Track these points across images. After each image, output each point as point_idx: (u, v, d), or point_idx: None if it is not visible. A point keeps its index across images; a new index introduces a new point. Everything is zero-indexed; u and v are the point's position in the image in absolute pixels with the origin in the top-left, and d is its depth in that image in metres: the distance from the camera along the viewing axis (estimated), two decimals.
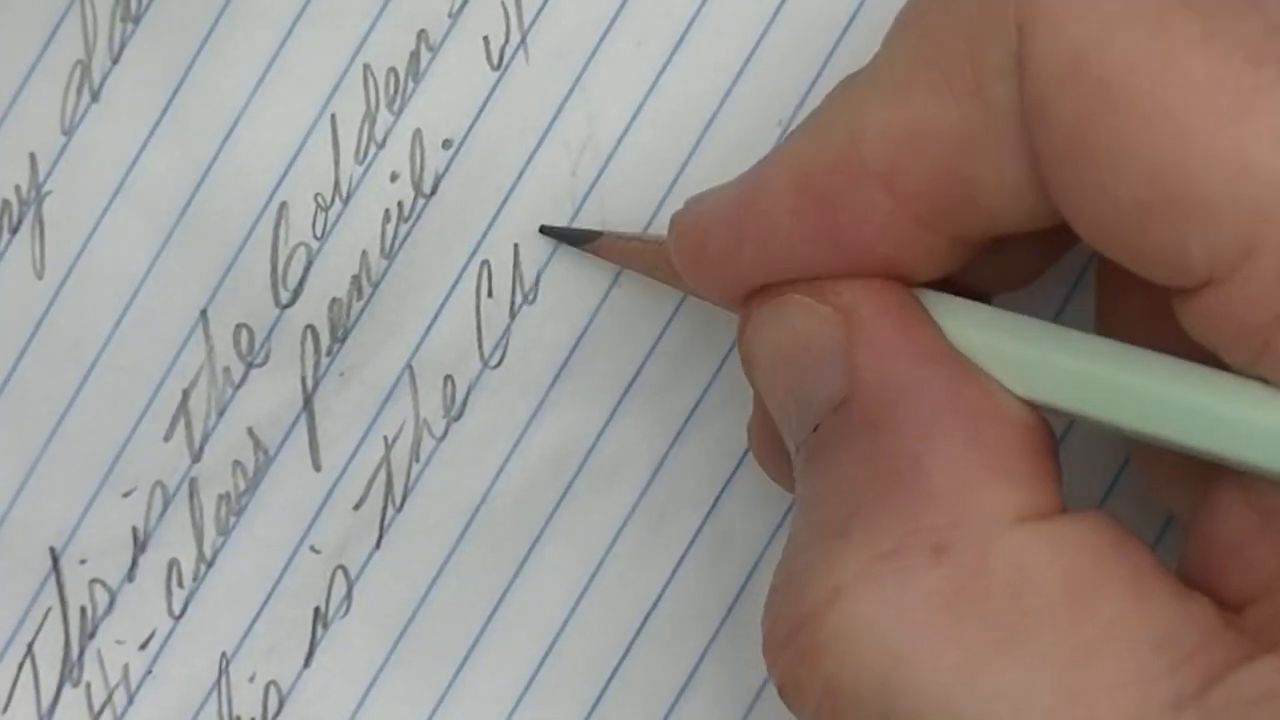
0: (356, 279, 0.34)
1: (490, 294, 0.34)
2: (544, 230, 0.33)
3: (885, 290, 0.28)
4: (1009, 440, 0.26)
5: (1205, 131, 0.24)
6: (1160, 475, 0.30)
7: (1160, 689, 0.25)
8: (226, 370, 0.34)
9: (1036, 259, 0.30)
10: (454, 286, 0.34)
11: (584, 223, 0.33)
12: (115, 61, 0.34)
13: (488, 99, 0.34)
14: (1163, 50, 0.24)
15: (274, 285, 0.34)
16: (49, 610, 0.34)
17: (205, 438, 0.34)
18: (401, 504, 0.34)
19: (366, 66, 0.33)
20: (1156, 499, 0.30)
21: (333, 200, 0.34)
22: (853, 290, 0.28)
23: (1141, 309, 0.28)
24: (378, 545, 0.34)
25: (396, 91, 0.34)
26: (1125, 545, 0.26)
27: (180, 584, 0.34)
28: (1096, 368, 0.27)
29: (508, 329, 0.34)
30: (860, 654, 0.26)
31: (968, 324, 0.28)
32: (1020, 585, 0.25)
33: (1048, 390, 0.27)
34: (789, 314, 0.28)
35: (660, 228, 0.33)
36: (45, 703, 0.34)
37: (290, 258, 0.34)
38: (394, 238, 0.34)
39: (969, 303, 0.28)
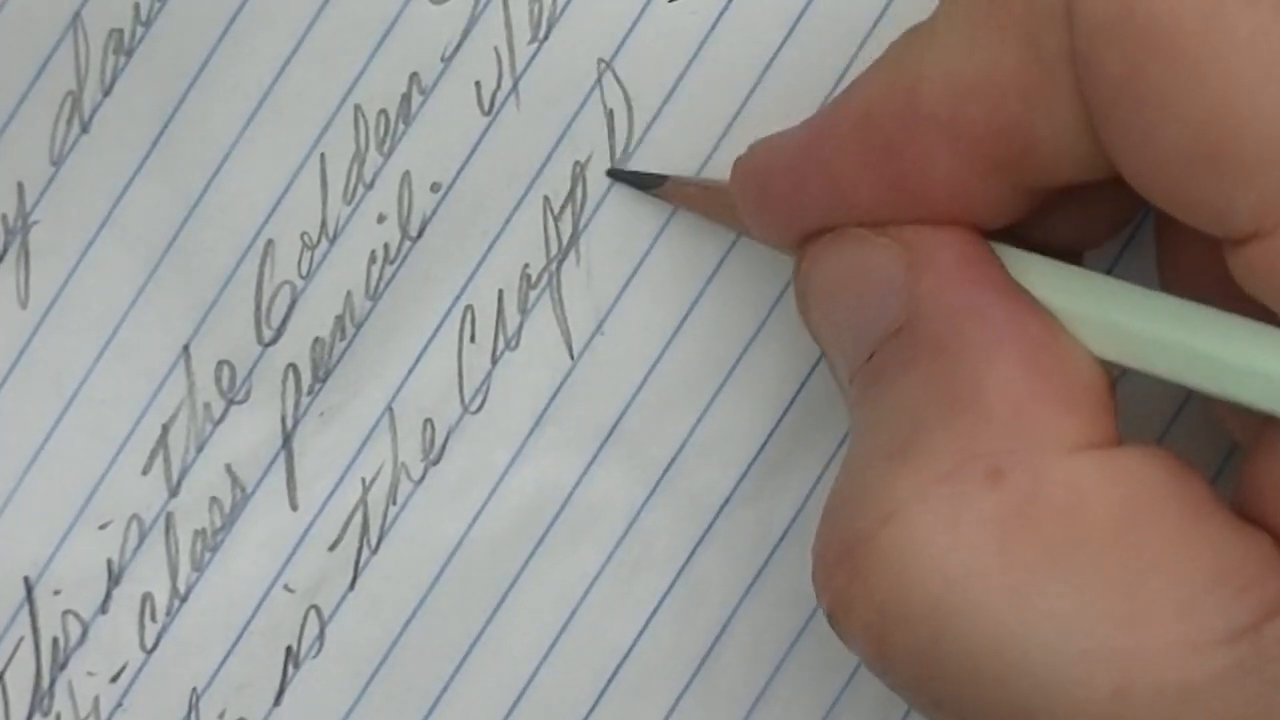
0: (340, 319, 0.34)
1: (473, 339, 0.34)
2: (611, 173, 0.33)
3: (946, 229, 0.28)
4: (1069, 372, 0.27)
5: (1251, 86, 0.24)
6: (1224, 405, 0.30)
7: (1214, 620, 0.25)
8: (207, 406, 0.34)
9: (1109, 216, 0.30)
10: (437, 330, 0.34)
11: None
12: (106, 93, 0.34)
13: (477, 144, 0.34)
14: (1210, 4, 0.25)
15: (257, 323, 0.34)
16: (21, 640, 0.34)
17: (183, 473, 0.34)
18: (377, 546, 0.34)
19: (357, 107, 0.34)
20: (1219, 427, 0.30)
21: (319, 239, 0.34)
22: (914, 229, 0.28)
23: (1201, 261, 0.28)
24: (352, 586, 0.34)
25: (387, 133, 0.34)
26: (1182, 477, 0.26)
27: (153, 618, 0.34)
28: (1158, 326, 0.27)
29: (489, 374, 0.34)
30: (913, 575, 0.26)
31: (1031, 274, 0.28)
32: (1075, 512, 0.25)
33: (1108, 346, 0.27)
34: (848, 246, 0.28)
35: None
36: None
37: (274, 296, 0.34)
38: (379, 279, 0.34)
39: (1032, 254, 0.28)
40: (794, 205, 0.29)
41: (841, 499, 0.27)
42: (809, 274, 0.29)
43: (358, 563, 0.34)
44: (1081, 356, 0.27)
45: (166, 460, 0.34)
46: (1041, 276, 0.28)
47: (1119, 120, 0.25)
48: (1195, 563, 0.25)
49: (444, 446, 0.34)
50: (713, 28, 0.33)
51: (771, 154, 0.30)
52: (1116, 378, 0.28)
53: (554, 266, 0.33)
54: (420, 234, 0.34)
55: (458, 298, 0.34)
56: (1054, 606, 0.25)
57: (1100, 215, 0.29)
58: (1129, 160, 0.26)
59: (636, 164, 0.33)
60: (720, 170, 0.32)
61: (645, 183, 0.33)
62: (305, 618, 0.34)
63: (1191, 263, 0.29)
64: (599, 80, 0.33)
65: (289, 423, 0.34)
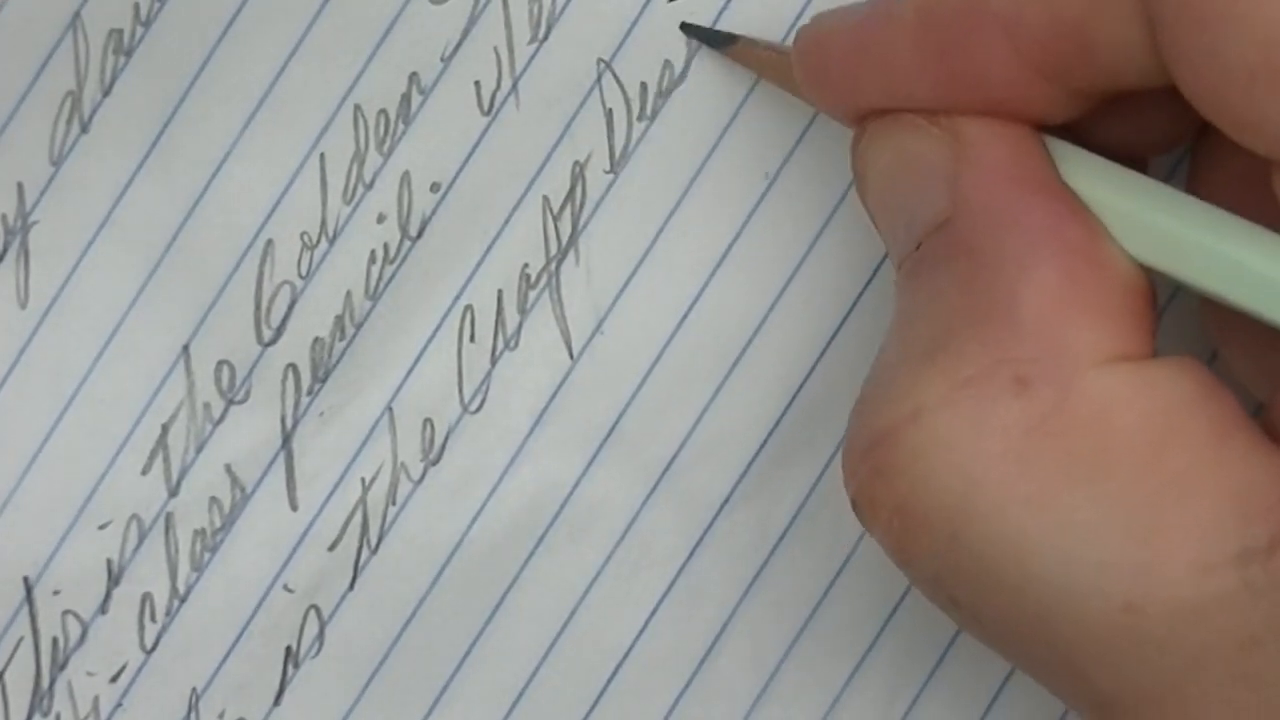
0: (340, 319, 0.34)
1: (472, 339, 0.34)
2: (684, 28, 0.33)
3: (999, 123, 0.28)
4: (1106, 280, 0.26)
5: None
6: (1246, 358, 0.30)
7: (1230, 540, 0.25)
8: (206, 406, 0.34)
9: (1167, 127, 0.29)
10: (436, 330, 0.34)
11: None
12: (106, 93, 0.34)
13: (477, 144, 0.34)
14: None
15: (257, 323, 0.34)
16: (21, 640, 0.34)
17: (183, 473, 0.34)
18: (376, 546, 0.34)
19: (357, 107, 0.34)
20: (1245, 383, 0.30)
21: (319, 239, 0.34)
22: (967, 120, 0.28)
23: (1236, 178, 0.28)
24: (351, 586, 0.34)
25: (386, 133, 0.34)
26: (1213, 393, 0.26)
27: (153, 618, 0.34)
28: (1205, 234, 0.27)
29: (489, 374, 0.34)
30: (934, 476, 0.26)
31: (1081, 172, 0.28)
32: (1099, 425, 0.26)
33: (1152, 251, 0.27)
34: (900, 133, 0.28)
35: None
36: None
37: (274, 296, 0.34)
38: (379, 279, 0.34)
39: (1084, 152, 0.28)
40: (851, 86, 0.29)
41: (872, 390, 0.27)
42: (864, 155, 0.29)
43: (357, 563, 0.34)
44: (1122, 263, 0.27)
45: (166, 460, 0.34)
46: (1090, 174, 0.28)
47: (1182, 33, 0.25)
48: (1217, 483, 0.25)
49: (444, 446, 0.34)
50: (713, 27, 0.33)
51: (832, 32, 0.29)
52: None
53: (553, 266, 0.33)
54: (420, 234, 0.34)
55: (457, 298, 0.34)
56: (1072, 518, 0.25)
57: (1158, 124, 0.29)
58: (1187, 74, 0.26)
59: (636, 162, 0.33)
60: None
61: (716, 40, 0.33)
62: (305, 618, 0.34)
63: (1227, 182, 0.28)
64: (599, 80, 0.33)
65: (289, 423, 0.34)
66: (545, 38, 0.33)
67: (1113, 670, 0.25)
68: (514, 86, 0.33)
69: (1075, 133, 0.28)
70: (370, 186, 0.34)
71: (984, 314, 0.26)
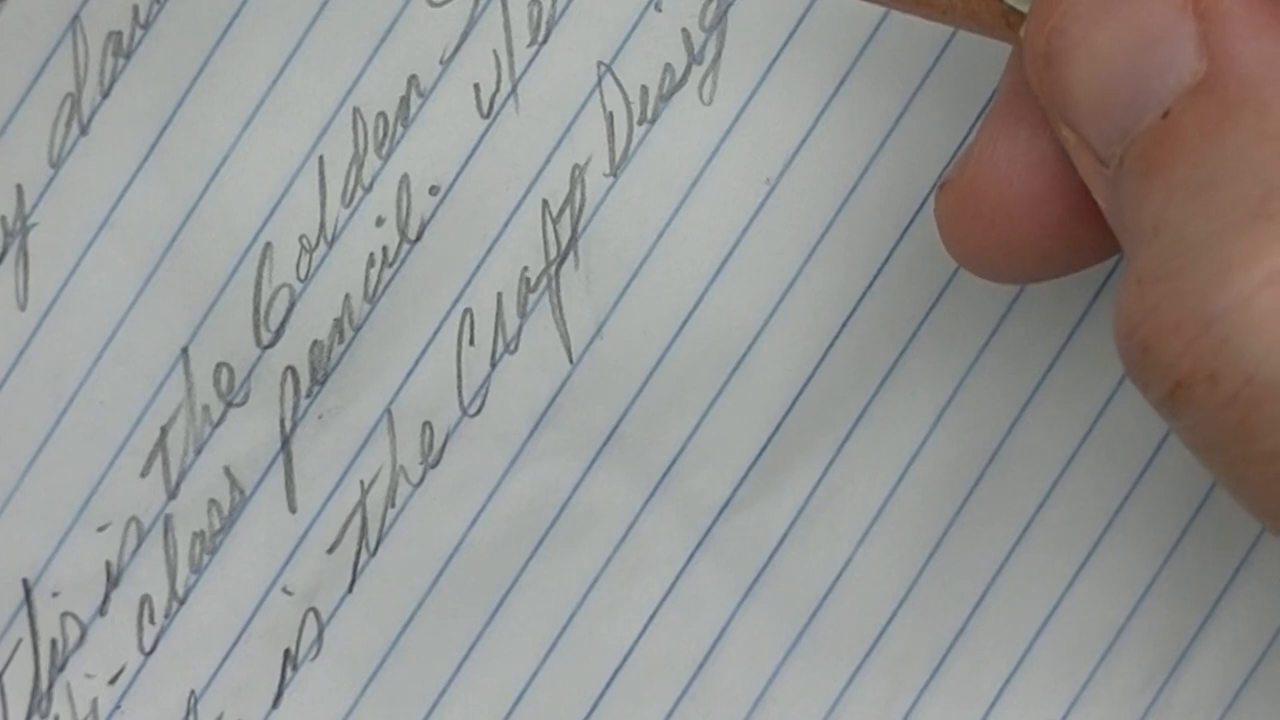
0: (339, 322, 0.34)
1: (472, 342, 0.34)
2: None
3: None
4: None
5: None
6: None
7: None
8: (205, 409, 0.34)
9: None
10: (435, 333, 0.34)
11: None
12: (105, 96, 0.34)
13: (476, 147, 0.33)
14: None
15: (256, 325, 0.34)
16: (19, 641, 0.34)
17: (182, 475, 0.34)
18: (375, 549, 0.34)
19: (356, 110, 0.33)
20: None
21: (317, 242, 0.34)
22: None
23: None
24: (350, 589, 0.34)
25: (385, 136, 0.34)
26: None
27: (152, 620, 0.34)
28: None
29: (488, 378, 0.34)
30: None
31: None
32: None
33: None
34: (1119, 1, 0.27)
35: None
36: None
37: (273, 298, 0.34)
38: (377, 282, 0.34)
39: None
40: None
41: (1178, 269, 0.26)
42: (1063, 32, 0.27)
43: (356, 565, 0.34)
44: None
45: (165, 462, 0.34)
46: None
47: None
48: None
49: (443, 449, 0.34)
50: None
51: None
52: None
53: (553, 270, 0.33)
54: (419, 237, 0.34)
55: (456, 301, 0.34)
56: None
57: None
58: None
59: (636, 166, 0.33)
60: None
61: None
62: (304, 620, 0.34)
63: None
64: (599, 83, 0.33)
65: (287, 425, 0.34)
66: (545, 40, 0.33)
67: None
68: (513, 89, 0.33)
69: None
70: (369, 189, 0.34)
71: None
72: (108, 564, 0.34)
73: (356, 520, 0.34)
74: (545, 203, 0.33)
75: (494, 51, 0.33)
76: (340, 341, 0.34)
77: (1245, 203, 0.26)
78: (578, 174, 0.33)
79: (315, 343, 0.34)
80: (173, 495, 0.34)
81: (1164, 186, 0.27)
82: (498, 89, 0.33)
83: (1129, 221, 0.27)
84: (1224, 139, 0.26)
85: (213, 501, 0.34)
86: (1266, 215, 0.25)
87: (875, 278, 0.33)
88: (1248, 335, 0.25)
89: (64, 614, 0.34)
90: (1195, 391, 0.26)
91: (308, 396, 0.34)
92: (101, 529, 0.34)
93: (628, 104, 0.33)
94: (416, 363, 0.34)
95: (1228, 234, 0.26)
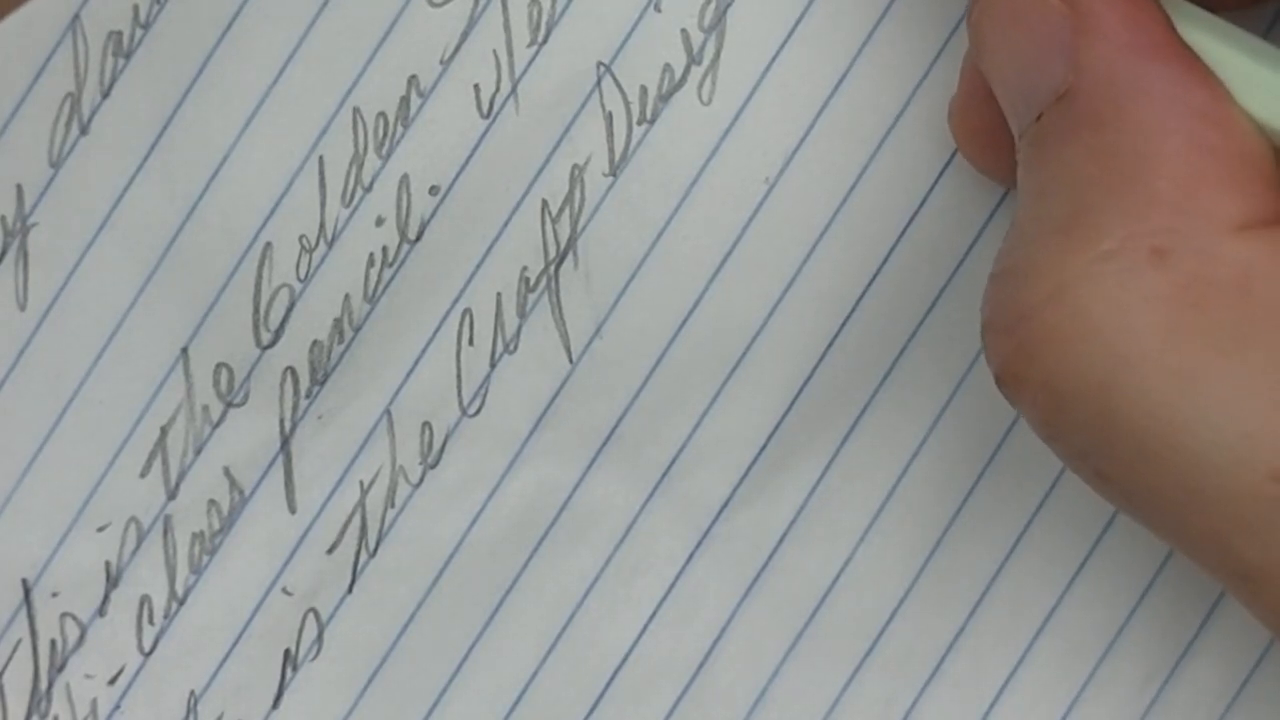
0: (338, 322, 0.34)
1: (471, 342, 0.34)
2: None
3: None
4: (1235, 145, 0.26)
5: None
6: None
7: None
8: (205, 409, 0.34)
9: None
10: (435, 333, 0.34)
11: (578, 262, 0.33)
12: (105, 96, 0.34)
13: (476, 147, 0.33)
14: None
15: (255, 325, 0.34)
16: (19, 642, 0.34)
17: (181, 475, 0.34)
18: (375, 549, 0.34)
19: (356, 110, 0.33)
20: None
21: (317, 242, 0.34)
22: None
23: None
24: (350, 589, 0.34)
25: (385, 136, 0.34)
26: None
27: (151, 621, 0.34)
28: None
29: (487, 378, 0.34)
30: (1080, 351, 0.26)
31: (1198, 29, 0.27)
32: (1240, 292, 0.25)
33: (1275, 111, 0.27)
34: (1016, 2, 0.28)
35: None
36: None
37: (273, 298, 0.34)
38: (377, 282, 0.34)
39: (1205, 13, 0.27)
40: None
41: (1009, 265, 0.27)
42: (979, 25, 0.29)
43: (356, 565, 0.34)
44: (1247, 128, 0.27)
45: (165, 463, 0.34)
46: (1210, 35, 0.27)
47: None
48: None
49: (442, 450, 0.34)
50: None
51: None
52: None
53: (552, 270, 0.33)
54: (419, 237, 0.34)
55: (456, 301, 0.34)
56: (1218, 388, 0.25)
57: None
58: None
59: (636, 166, 0.33)
60: None
61: None
62: (303, 620, 0.34)
63: None
64: (598, 83, 0.33)
65: (287, 425, 0.34)
66: (545, 41, 0.33)
67: (1259, 540, 0.25)
68: (513, 89, 0.33)
69: None
70: (369, 189, 0.34)
71: (1117, 185, 0.26)
72: (107, 564, 0.34)
73: (356, 520, 0.34)
74: (545, 203, 0.33)
75: (494, 52, 0.33)
76: (340, 341, 0.34)
77: (1058, 216, 0.27)
78: (577, 174, 0.33)
79: (315, 343, 0.34)
80: (172, 495, 0.34)
81: (1025, 184, 0.28)
82: (498, 89, 0.33)
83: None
84: (1064, 150, 0.27)
85: (212, 502, 0.34)
86: (1066, 230, 0.26)
87: (874, 278, 0.33)
88: (1039, 345, 0.26)
89: (63, 614, 0.34)
90: (1009, 389, 0.27)
91: (307, 397, 0.34)
92: (101, 529, 0.34)
93: (627, 104, 0.33)
94: (416, 363, 0.34)
95: (1037, 245, 0.27)
